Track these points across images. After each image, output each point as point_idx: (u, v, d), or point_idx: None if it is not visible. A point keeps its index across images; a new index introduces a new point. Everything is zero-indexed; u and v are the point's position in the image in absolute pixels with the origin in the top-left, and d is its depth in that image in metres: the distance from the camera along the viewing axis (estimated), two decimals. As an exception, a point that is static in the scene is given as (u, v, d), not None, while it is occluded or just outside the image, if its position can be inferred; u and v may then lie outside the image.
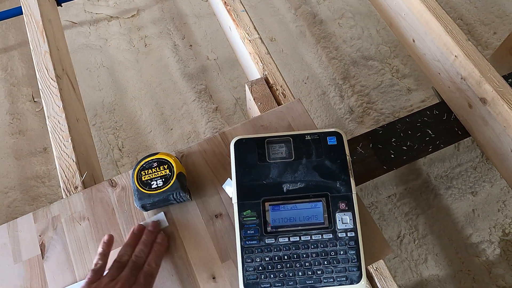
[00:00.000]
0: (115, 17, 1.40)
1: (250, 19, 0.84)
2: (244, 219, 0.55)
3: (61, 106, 0.75)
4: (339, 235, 0.54)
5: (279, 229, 0.54)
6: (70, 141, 0.71)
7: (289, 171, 0.57)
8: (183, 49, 1.34)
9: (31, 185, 1.13)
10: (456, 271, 0.98)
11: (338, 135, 0.59)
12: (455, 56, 0.81)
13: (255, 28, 0.83)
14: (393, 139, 0.87)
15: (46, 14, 0.89)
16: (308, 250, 0.53)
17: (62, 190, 0.67)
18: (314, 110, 1.22)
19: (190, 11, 1.40)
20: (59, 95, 0.76)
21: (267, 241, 0.54)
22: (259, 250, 0.54)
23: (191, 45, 1.35)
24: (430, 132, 0.88)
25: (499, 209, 1.04)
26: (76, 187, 0.67)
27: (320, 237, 0.53)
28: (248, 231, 0.54)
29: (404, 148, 0.86)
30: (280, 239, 0.54)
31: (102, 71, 1.30)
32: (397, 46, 1.32)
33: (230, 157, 0.62)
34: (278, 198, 0.55)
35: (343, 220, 0.54)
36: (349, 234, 0.54)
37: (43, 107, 1.25)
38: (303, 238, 0.54)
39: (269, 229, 0.54)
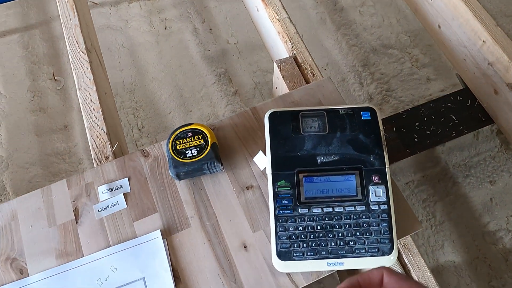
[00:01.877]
0: (135, -1, 1.41)
1: (280, 0, 0.84)
2: (278, 189, 0.55)
3: (92, 78, 0.76)
4: (372, 207, 0.54)
5: (313, 200, 0.55)
6: (100, 112, 0.72)
7: (323, 144, 0.57)
8: (203, 32, 1.34)
9: (51, 161, 1.14)
10: (473, 258, 0.99)
11: (372, 111, 0.59)
12: (483, 41, 0.81)
13: (284, 8, 0.83)
14: (417, 124, 0.88)
15: (75, -10, 0.90)
16: (341, 221, 0.54)
17: (93, 159, 0.68)
18: (333, 96, 1.22)
19: (211, -5, 1.41)
20: (89, 67, 0.77)
21: (301, 211, 0.54)
22: (293, 219, 0.54)
23: (211, 29, 1.35)
24: (453, 117, 0.88)
25: (516, 199, 1.04)
26: (107, 157, 0.68)
27: (353, 209, 0.54)
28: (282, 201, 0.55)
29: (428, 132, 0.87)
30: (314, 210, 0.54)
31: (122, 52, 1.31)
32: (417, 35, 1.32)
33: (261, 131, 0.62)
34: (312, 170, 0.56)
35: (376, 193, 0.55)
36: (382, 206, 0.54)
37: (64, 84, 1.26)
38: (336, 209, 0.54)
39: (302, 199, 0.55)
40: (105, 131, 0.70)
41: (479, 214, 1.03)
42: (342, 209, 0.54)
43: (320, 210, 0.54)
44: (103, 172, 0.64)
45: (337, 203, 0.54)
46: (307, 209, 0.54)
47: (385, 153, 0.56)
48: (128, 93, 1.24)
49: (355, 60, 1.27)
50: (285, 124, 0.59)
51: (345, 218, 0.54)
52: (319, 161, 0.56)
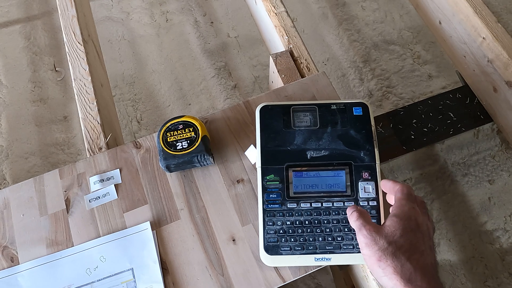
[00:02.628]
0: (137, -9, 1.40)
1: (278, -8, 0.83)
2: (267, 183, 0.55)
3: (87, 69, 0.76)
4: (361, 203, 0.54)
5: (302, 195, 0.54)
6: (95, 103, 0.72)
7: (314, 139, 0.57)
8: (204, 25, 1.34)
9: (50, 151, 1.15)
10: (469, 257, 0.98)
11: (364, 106, 0.59)
12: (483, 38, 0.80)
13: (281, 1, 0.82)
14: (414, 121, 0.87)
15: (74, -20, 0.89)
16: (329, 216, 0.54)
17: (86, 150, 0.68)
18: (333, 92, 1.21)
19: (213, -12, 1.40)
20: (85, 58, 0.77)
21: (289, 205, 0.54)
22: (281, 214, 0.54)
23: (212, 22, 1.35)
24: (452, 115, 0.87)
25: (515, 199, 1.03)
26: (100, 148, 0.68)
27: (342, 204, 0.54)
28: (271, 195, 0.55)
29: (425, 129, 0.86)
30: (302, 204, 0.54)
31: (123, 43, 1.31)
32: (419, 32, 1.31)
33: (253, 125, 0.62)
34: (301, 165, 0.56)
35: (366, 189, 0.54)
36: (371, 203, 0.54)
37: (64, 76, 1.27)
38: (325, 204, 0.54)
39: (291, 194, 0.55)
40: (99, 122, 0.71)
41: (477, 213, 1.02)
42: (331, 205, 0.54)
43: (308, 205, 0.54)
44: (95, 163, 0.64)
45: (326, 199, 0.54)
46: (295, 204, 0.54)
47: (375, 149, 0.56)
48: (127, 85, 1.24)
49: (356, 55, 1.26)
50: (276, 118, 0.59)
51: (334, 213, 0.54)
52: (309, 156, 0.56)
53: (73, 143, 1.16)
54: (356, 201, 0.54)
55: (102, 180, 0.62)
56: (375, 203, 0.54)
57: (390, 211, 0.48)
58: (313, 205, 0.54)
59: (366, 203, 0.54)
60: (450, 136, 0.85)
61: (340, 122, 0.58)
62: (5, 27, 1.35)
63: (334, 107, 0.59)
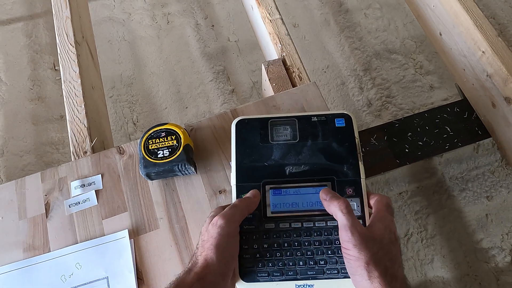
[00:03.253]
0: (140, -8, 1.40)
1: (273, 0, 0.82)
2: None
3: (78, 71, 0.75)
4: None
5: (280, 214, 0.50)
6: (83, 106, 0.72)
7: (293, 153, 0.53)
8: (205, 28, 1.33)
9: (45, 150, 1.15)
10: (463, 274, 0.95)
11: (347, 117, 0.55)
12: (483, 51, 0.78)
13: (277, 8, 0.81)
14: (409, 133, 0.85)
15: (71, -20, 0.89)
16: (310, 237, 0.49)
17: (71, 153, 0.67)
18: (331, 100, 1.20)
19: (215, -9, 1.39)
20: (76, 60, 0.76)
21: (267, 226, 0.49)
22: (257, 236, 0.49)
23: (213, 25, 1.34)
24: (448, 129, 0.85)
25: (514, 216, 1.00)
26: (86, 152, 0.67)
27: (324, 224, 0.49)
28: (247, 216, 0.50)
29: (420, 143, 0.84)
30: (281, 225, 0.50)
31: (123, 44, 1.31)
32: (423, 41, 1.28)
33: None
34: (279, 181, 0.52)
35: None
36: None
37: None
38: (305, 224, 0.50)
39: (269, 213, 0.50)
40: (86, 126, 0.70)
41: (473, 230, 1.00)
42: (312, 225, 0.49)
43: (287, 225, 0.50)
44: (77, 167, 0.63)
45: (306, 218, 0.50)
46: (273, 224, 0.50)
47: (360, 163, 0.52)
48: (125, 87, 1.24)
49: (357, 63, 1.24)
50: (253, 132, 0.55)
51: (315, 234, 0.49)
52: (287, 171, 0.52)
53: (67, 143, 1.15)
54: None
55: (83, 185, 0.61)
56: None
57: (368, 219, 0.48)
58: (293, 225, 0.49)
59: None
60: (445, 151, 0.83)
61: (322, 135, 0.54)
62: (8, 24, 1.36)
63: (315, 119, 0.55)
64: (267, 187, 0.51)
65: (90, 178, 0.62)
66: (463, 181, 1.05)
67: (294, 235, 0.49)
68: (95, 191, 0.61)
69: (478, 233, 0.99)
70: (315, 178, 0.52)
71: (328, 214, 0.48)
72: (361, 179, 0.52)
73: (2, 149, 1.15)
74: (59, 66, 1.27)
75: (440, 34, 0.91)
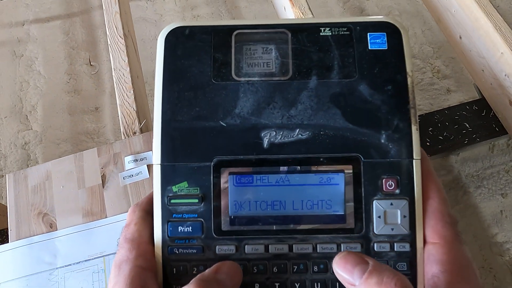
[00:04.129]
0: (171, -5, 1.48)
1: (306, 0, 0.89)
2: (172, 200, 0.28)
3: (127, 61, 0.82)
4: (377, 247, 0.27)
5: (248, 227, 0.28)
6: (132, 92, 0.78)
7: (279, 104, 0.28)
8: (232, 30, 1.41)
9: (81, 139, 1.22)
10: (478, 267, 1.00)
11: (391, 31, 0.29)
12: (501, 53, 0.84)
13: (309, 8, 0.88)
14: (430, 128, 0.90)
15: (118, -20, 0.97)
16: (306, 275, 0.27)
17: (122, 133, 0.74)
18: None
19: (242, -5, 1.47)
20: (125, 51, 0.83)
21: (220, 249, 0.27)
22: (201, 268, 0.27)
23: (240, 28, 1.41)
24: (467, 125, 0.91)
25: (528, 213, 1.05)
26: (135, 133, 0.74)
27: (336, 250, 0.27)
28: (181, 227, 0.27)
29: (440, 138, 0.89)
30: (248, 248, 0.27)
31: (155, 43, 1.38)
32: (440, 47, 1.34)
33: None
34: (249, 160, 0.28)
35: (389, 217, 0.27)
36: (399, 247, 0.27)
37: (98, 70, 1.35)
38: (298, 249, 0.27)
39: (225, 225, 0.27)
40: (135, 109, 0.77)
41: (488, 225, 1.04)
42: (311, 250, 0.27)
43: (261, 249, 0.27)
44: (130, 145, 0.69)
45: (299, 236, 0.27)
46: (233, 247, 0.27)
47: (414, 128, 0.28)
48: (156, 82, 1.31)
49: (377, 66, 1.31)
50: (200, 56, 0.29)
51: (316, 270, 0.27)
52: (266, 141, 0.28)
53: (102, 133, 1.22)
54: (367, 241, 0.27)
55: (136, 160, 0.67)
56: (406, 247, 0.27)
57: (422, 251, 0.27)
58: (272, 249, 0.27)
59: (387, 247, 0.27)
60: (464, 145, 0.88)
61: (339, 66, 0.29)
62: (47, 22, 1.45)
63: (327, 31, 0.29)
64: (224, 171, 0.28)
65: (142, 154, 0.68)
66: (478, 179, 1.10)
67: (275, 270, 0.27)
68: (146, 165, 0.67)
69: (493, 228, 1.04)
70: (322, 157, 0.28)
71: (343, 229, 0.27)
72: (414, 160, 0.28)
73: (41, 137, 1.22)
74: (95, 62, 1.35)
75: (460, 37, 0.97)
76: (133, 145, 0.69)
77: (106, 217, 0.63)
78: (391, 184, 0.27)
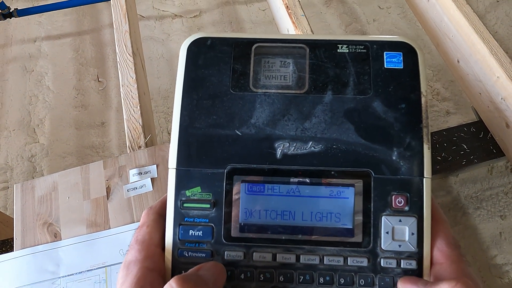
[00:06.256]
0: (179, 15, 1.53)
1: (309, 23, 0.92)
2: (185, 204, 0.29)
3: (134, 77, 0.85)
4: (384, 263, 0.28)
5: (257, 235, 0.29)
6: (139, 107, 0.81)
7: (294, 116, 0.29)
8: (236, 50, 1.45)
9: (86, 153, 1.24)
10: (477, 289, 1.00)
11: (407, 50, 0.30)
12: (497, 77, 0.86)
13: (312, 31, 0.91)
14: (429, 149, 0.92)
15: (129, 1, 1.01)
16: (311, 286, 0.28)
17: (127, 147, 0.76)
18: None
19: (248, 17, 1.52)
20: (133, 68, 0.87)
21: (229, 255, 0.28)
22: None
23: (244, 48, 1.45)
24: (465, 147, 0.92)
25: (527, 236, 1.05)
26: (140, 147, 0.76)
27: (342, 263, 0.28)
28: (192, 232, 0.29)
29: (438, 158, 0.91)
30: (256, 256, 0.28)
31: (161, 61, 1.42)
32: (440, 70, 1.37)
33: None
34: (262, 170, 0.29)
35: (397, 233, 0.28)
36: (405, 264, 0.28)
37: (105, 86, 1.38)
38: (305, 260, 0.28)
39: (235, 231, 0.29)
40: (141, 124, 0.79)
41: (487, 246, 1.05)
42: (318, 261, 0.28)
43: (268, 257, 0.28)
44: (135, 158, 0.72)
45: (307, 247, 0.28)
46: (241, 253, 0.28)
47: (425, 147, 0.29)
48: (162, 99, 1.34)
49: (378, 88, 1.33)
50: (219, 66, 0.31)
51: (322, 281, 0.28)
52: (279, 152, 0.29)
53: (107, 147, 1.25)
54: (374, 256, 0.28)
55: (140, 173, 0.69)
56: (413, 264, 0.28)
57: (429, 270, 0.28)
58: (279, 258, 0.28)
59: (394, 264, 0.28)
60: (462, 166, 0.90)
61: (354, 83, 0.30)
62: (58, 39, 1.49)
63: (344, 48, 0.30)
64: (237, 179, 0.29)
65: (146, 167, 0.70)
66: (477, 200, 1.11)
67: (281, 279, 0.28)
68: (150, 179, 0.69)
69: (492, 249, 1.04)
70: (333, 171, 0.29)
71: (351, 243, 0.28)
72: (424, 178, 0.28)
73: (47, 150, 1.25)
74: (102, 78, 1.39)
75: (458, 61, 1.00)
76: (138, 158, 0.71)
77: (109, 228, 0.65)
78: (401, 201, 0.28)
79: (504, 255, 1.03)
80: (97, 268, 0.61)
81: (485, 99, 0.93)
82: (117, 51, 0.89)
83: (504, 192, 1.12)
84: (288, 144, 0.29)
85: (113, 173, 0.70)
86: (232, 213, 0.29)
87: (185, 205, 0.29)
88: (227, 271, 0.28)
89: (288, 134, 0.29)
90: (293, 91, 0.30)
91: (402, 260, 0.28)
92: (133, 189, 0.68)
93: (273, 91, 0.30)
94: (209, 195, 0.29)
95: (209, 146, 0.29)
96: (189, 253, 0.28)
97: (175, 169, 0.29)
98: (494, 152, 0.92)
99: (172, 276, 0.27)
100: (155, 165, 0.70)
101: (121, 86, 0.84)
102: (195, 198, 0.29)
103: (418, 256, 0.27)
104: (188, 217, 0.29)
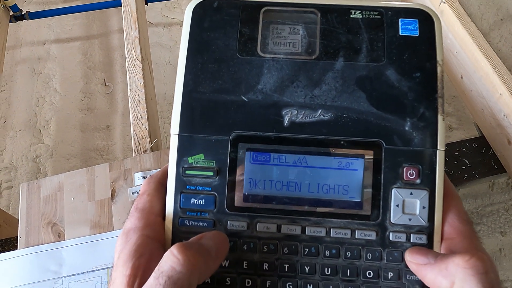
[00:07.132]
0: (187, 23, 1.56)
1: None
2: (187, 171, 0.28)
3: (142, 83, 0.87)
4: (392, 237, 0.27)
5: (261, 205, 0.28)
6: (145, 112, 0.82)
7: (303, 83, 0.28)
8: (242, 59, 1.46)
9: (90, 156, 1.25)
10: (476, 305, 1.00)
11: (424, 18, 0.29)
12: (500, 94, 0.87)
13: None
14: (430, 163, 0.93)
15: (139, 8, 1.03)
16: (317, 259, 0.27)
17: (133, 151, 0.77)
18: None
19: None
20: (142, 73, 0.88)
21: (232, 225, 0.27)
22: None
23: (250, 57, 1.47)
24: (467, 162, 0.93)
25: (527, 253, 1.05)
26: (145, 151, 0.77)
27: (349, 236, 0.27)
28: (193, 199, 0.28)
29: (440, 172, 0.91)
30: (260, 226, 0.27)
31: (168, 68, 1.44)
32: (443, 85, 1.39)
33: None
34: (268, 138, 0.28)
35: (408, 207, 0.27)
36: (415, 238, 0.27)
37: (112, 90, 1.40)
38: (311, 232, 0.27)
39: (238, 200, 0.28)
40: (147, 128, 0.80)
41: (487, 262, 1.05)
42: (324, 234, 0.27)
43: (273, 228, 0.27)
44: (141, 162, 0.73)
45: (313, 219, 0.27)
46: (245, 223, 0.27)
47: (440, 117, 0.28)
48: (167, 105, 1.35)
49: (381, 101, 1.35)
50: (226, 29, 0.29)
51: (328, 254, 0.27)
52: (286, 119, 0.28)
53: (111, 150, 1.26)
54: (383, 230, 0.27)
55: (145, 177, 0.70)
56: (423, 239, 0.27)
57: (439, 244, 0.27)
58: (284, 230, 0.27)
59: (404, 238, 0.27)
60: (463, 181, 0.90)
61: (367, 50, 0.29)
62: (67, 42, 1.52)
63: (357, 14, 0.29)
64: (242, 146, 0.28)
65: (151, 171, 0.71)
66: (478, 216, 1.11)
67: (286, 251, 0.27)
68: (155, 182, 0.70)
69: (491, 265, 1.04)
70: (343, 140, 0.27)
71: (359, 216, 0.27)
72: (438, 151, 0.27)
73: (52, 151, 1.26)
74: (109, 82, 1.41)
75: (461, 77, 1.01)
76: (143, 162, 0.72)
77: (113, 230, 0.65)
78: (412, 173, 0.27)
79: (504, 272, 1.03)
80: (99, 269, 0.62)
81: (487, 115, 0.94)
82: (126, 56, 0.91)
83: (504, 209, 1.12)
84: (296, 112, 0.28)
85: (118, 175, 0.71)
86: (236, 182, 0.27)
87: (187, 172, 0.28)
88: (230, 242, 0.27)
89: (297, 101, 0.28)
90: (303, 57, 0.29)
91: (412, 234, 0.27)
92: (138, 192, 0.69)
93: (282, 56, 0.29)
94: (213, 162, 0.28)
95: (214, 112, 0.28)
96: (190, 222, 0.27)
97: (177, 135, 0.29)
98: (496, 168, 0.92)
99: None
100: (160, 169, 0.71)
101: (129, 91, 0.86)
102: (197, 165, 0.28)
103: (428, 230, 0.26)
104: (190, 185, 0.28)
